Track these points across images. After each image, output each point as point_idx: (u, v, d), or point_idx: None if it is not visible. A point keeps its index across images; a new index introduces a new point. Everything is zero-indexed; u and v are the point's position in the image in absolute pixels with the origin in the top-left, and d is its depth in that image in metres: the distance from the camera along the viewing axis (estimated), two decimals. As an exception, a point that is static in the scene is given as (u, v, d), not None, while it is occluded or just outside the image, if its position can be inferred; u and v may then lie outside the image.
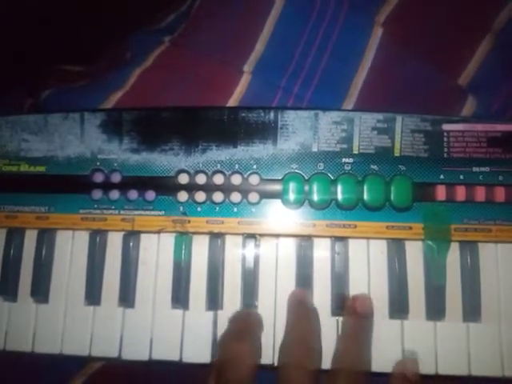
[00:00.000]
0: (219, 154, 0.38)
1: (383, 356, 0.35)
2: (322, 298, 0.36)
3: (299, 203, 0.37)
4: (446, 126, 0.37)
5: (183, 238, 0.37)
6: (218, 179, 0.37)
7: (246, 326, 0.35)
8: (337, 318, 0.36)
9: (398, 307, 0.36)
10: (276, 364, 0.35)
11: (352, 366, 0.33)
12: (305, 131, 0.37)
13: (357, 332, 0.35)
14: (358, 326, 0.35)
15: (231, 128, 0.38)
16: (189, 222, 0.37)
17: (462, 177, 0.36)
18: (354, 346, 0.34)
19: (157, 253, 0.38)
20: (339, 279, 0.36)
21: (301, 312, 0.36)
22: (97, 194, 0.38)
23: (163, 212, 0.37)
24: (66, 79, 0.50)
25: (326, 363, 0.35)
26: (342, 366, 0.34)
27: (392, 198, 0.36)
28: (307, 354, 0.34)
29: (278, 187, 0.37)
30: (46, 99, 0.48)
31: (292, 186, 0.37)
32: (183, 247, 0.37)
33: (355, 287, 0.36)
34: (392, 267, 0.36)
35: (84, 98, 0.47)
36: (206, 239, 0.37)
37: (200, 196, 0.37)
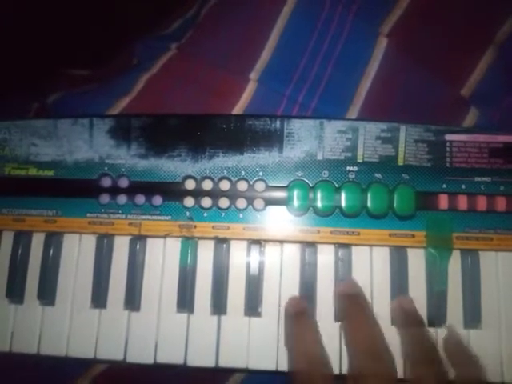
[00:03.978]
0: (226, 161, 0.38)
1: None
2: (325, 303, 0.37)
3: (304, 210, 0.37)
4: (449, 137, 0.37)
5: (189, 243, 0.38)
6: (225, 185, 0.38)
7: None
8: (339, 323, 0.37)
9: (400, 314, 0.36)
10: (280, 369, 0.36)
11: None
12: (310, 139, 0.38)
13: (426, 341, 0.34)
14: (420, 334, 0.35)
15: (238, 135, 0.38)
16: (195, 227, 0.38)
17: (463, 186, 0.37)
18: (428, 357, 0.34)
19: (163, 257, 0.38)
20: (342, 285, 0.37)
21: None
22: (104, 198, 0.38)
23: (170, 217, 0.38)
24: (72, 84, 0.51)
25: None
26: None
27: (395, 206, 0.37)
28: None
29: (283, 194, 0.37)
30: (52, 103, 0.49)
31: (297, 193, 0.37)
32: (189, 252, 0.38)
33: (358, 293, 0.37)
34: (394, 274, 0.37)
35: (91, 104, 0.47)
36: (211, 244, 0.38)
37: (206, 202, 0.38)
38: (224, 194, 0.38)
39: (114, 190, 0.38)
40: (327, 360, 0.35)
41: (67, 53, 0.60)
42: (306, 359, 0.34)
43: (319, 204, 0.37)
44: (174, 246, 0.38)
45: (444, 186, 0.37)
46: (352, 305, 0.35)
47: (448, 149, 0.37)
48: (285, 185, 0.38)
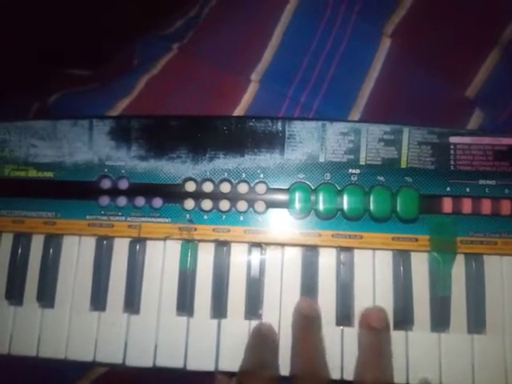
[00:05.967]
0: (226, 163, 0.38)
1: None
2: (326, 307, 0.36)
3: (305, 213, 0.37)
4: (453, 139, 0.37)
5: (189, 246, 0.38)
6: (225, 188, 0.38)
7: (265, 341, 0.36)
8: (341, 327, 0.36)
9: (403, 318, 0.36)
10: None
11: (374, 380, 0.33)
12: (312, 141, 0.37)
13: (375, 346, 0.35)
14: (375, 339, 0.35)
15: (239, 137, 0.38)
16: (195, 229, 0.37)
17: (468, 189, 0.36)
18: (374, 360, 0.34)
19: (163, 260, 0.38)
20: (344, 289, 0.36)
21: (307, 326, 0.36)
22: (104, 200, 0.38)
23: (170, 219, 0.37)
24: (73, 84, 0.50)
25: (332, 372, 0.35)
26: (365, 380, 0.33)
27: (398, 209, 0.36)
28: (319, 365, 0.34)
29: (284, 197, 0.37)
30: (52, 104, 0.49)
31: (298, 195, 0.37)
32: (189, 255, 0.37)
33: (360, 298, 0.36)
34: (397, 278, 0.36)
35: (91, 105, 0.47)
36: (211, 247, 0.38)
37: (207, 204, 0.37)
38: (224, 196, 0.37)
39: (114, 192, 0.38)
40: (327, 372, 0.34)
41: (67, 53, 0.60)
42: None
43: (321, 207, 0.36)
44: (173, 248, 0.38)
45: (448, 189, 0.36)
46: (305, 326, 0.36)
47: (452, 151, 0.37)
48: (286, 187, 0.37)
